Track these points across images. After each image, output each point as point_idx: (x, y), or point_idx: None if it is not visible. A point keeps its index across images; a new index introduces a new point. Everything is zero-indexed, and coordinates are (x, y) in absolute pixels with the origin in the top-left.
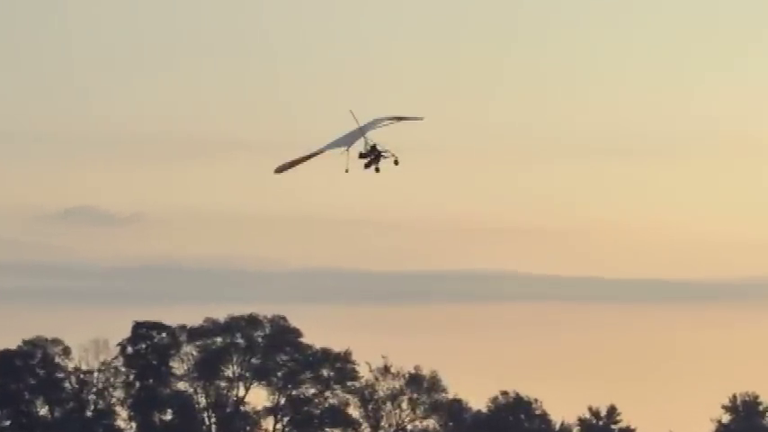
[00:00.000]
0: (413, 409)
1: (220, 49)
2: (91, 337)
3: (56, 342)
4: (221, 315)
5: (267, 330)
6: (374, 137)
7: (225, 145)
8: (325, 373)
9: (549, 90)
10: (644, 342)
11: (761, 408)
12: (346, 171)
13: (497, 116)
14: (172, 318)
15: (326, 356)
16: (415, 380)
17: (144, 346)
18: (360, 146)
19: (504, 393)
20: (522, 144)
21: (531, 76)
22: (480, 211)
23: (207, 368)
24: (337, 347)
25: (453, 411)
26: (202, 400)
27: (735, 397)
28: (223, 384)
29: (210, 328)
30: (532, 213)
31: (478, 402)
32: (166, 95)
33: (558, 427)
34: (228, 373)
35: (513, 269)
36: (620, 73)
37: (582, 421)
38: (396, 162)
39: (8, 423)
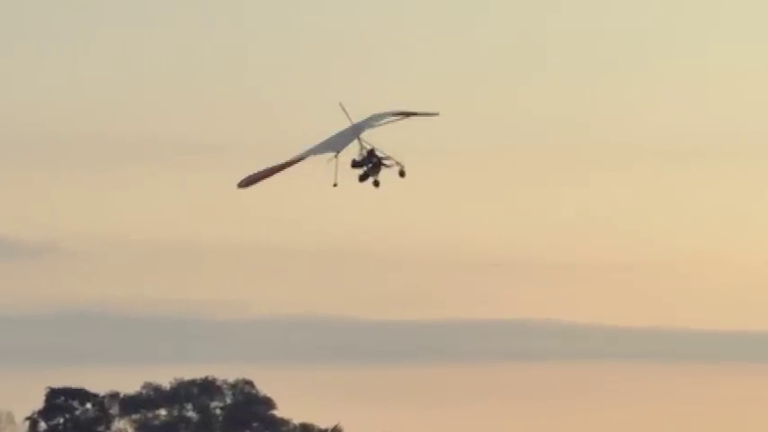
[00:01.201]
0: None
1: (164, 16)
2: None
3: None
4: (165, 379)
5: (228, 399)
6: (372, 139)
7: (170, 150)
8: None
9: (605, 76)
10: (745, 412)
11: None
12: (335, 185)
13: (536, 111)
14: (99, 383)
15: None
16: None
17: (62, 420)
18: (353, 151)
19: None
20: (572, 148)
21: (581, 58)
22: (514, 239)
23: None
24: (323, 422)
25: None
26: None
27: None
28: None
29: (151, 397)
30: (585, 242)
31: None
32: (91, 82)
33: None
34: None
35: (556, 318)
36: (708, 49)
37: None
38: (401, 173)
39: None
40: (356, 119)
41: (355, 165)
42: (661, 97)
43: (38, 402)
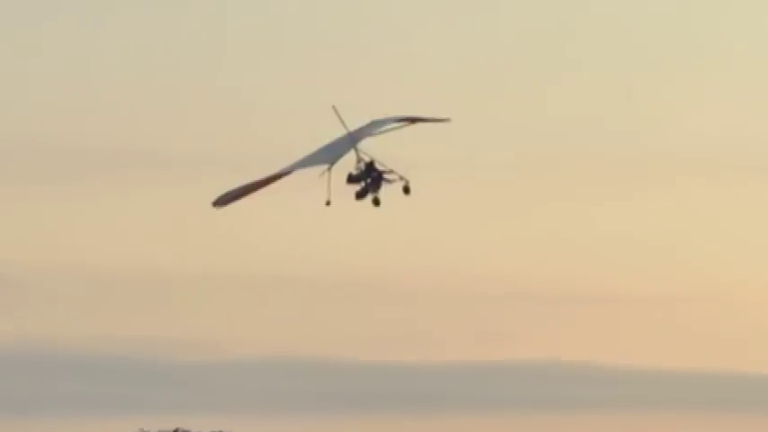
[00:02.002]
0: None
1: (125, 8)
2: None
3: None
4: (130, 431)
5: None
6: (372, 149)
7: (131, 163)
8: None
9: (649, 74)
10: None
11: None
12: (327, 203)
13: (566, 116)
14: None
15: None
16: None
17: None
18: (349, 163)
19: None
20: (610, 160)
21: (618, 53)
22: (539, 268)
23: None
24: None
25: None
26: None
27: None
28: None
29: None
30: (624, 272)
31: None
32: (38, 85)
33: None
34: None
35: (592, 359)
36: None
37: None
38: (406, 189)
39: None
40: (353, 125)
41: (352, 180)
42: (714, 102)
43: None
